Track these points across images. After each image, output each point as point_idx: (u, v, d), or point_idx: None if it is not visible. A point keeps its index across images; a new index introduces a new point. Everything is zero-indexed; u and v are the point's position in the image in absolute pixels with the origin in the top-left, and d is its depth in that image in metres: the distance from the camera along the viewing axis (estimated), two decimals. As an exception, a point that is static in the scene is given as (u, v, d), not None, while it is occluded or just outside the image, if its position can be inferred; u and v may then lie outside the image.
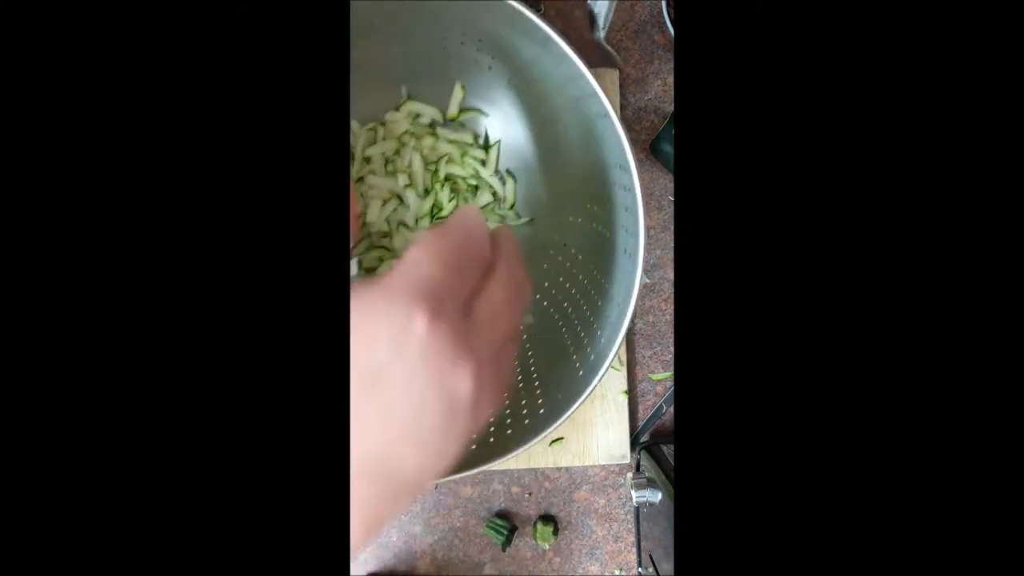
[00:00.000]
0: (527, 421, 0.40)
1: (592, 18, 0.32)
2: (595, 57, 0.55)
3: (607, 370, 0.36)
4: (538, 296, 0.50)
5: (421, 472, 0.21)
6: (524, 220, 0.52)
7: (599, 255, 0.44)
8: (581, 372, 0.39)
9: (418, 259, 0.21)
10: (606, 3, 0.31)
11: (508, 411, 0.42)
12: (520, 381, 0.45)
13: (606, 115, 0.33)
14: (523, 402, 0.42)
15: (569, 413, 0.37)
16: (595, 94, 0.32)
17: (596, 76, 0.54)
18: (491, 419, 0.23)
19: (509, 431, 0.40)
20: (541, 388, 0.43)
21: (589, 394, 0.37)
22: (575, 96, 0.37)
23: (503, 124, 0.51)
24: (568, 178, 0.48)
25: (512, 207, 0.52)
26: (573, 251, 0.49)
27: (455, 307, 0.21)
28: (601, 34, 0.33)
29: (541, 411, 0.40)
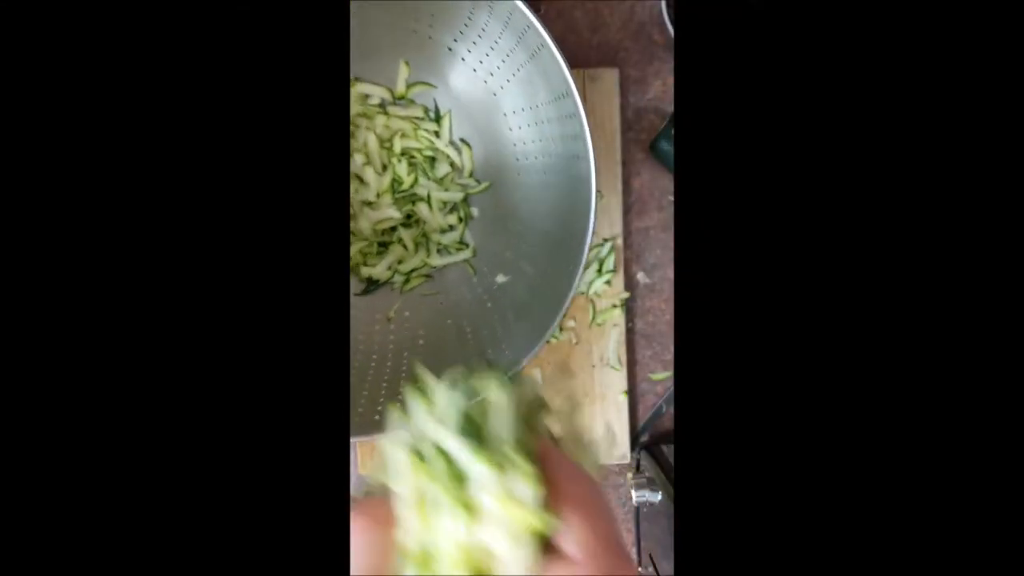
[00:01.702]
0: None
1: None
2: (594, 59, 0.55)
3: (574, 292, 0.40)
4: (509, 254, 0.52)
5: None
6: (483, 186, 0.53)
7: (563, 201, 0.45)
8: (540, 312, 0.42)
9: None
10: None
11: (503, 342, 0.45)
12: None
13: (543, 45, 0.35)
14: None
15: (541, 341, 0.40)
16: (531, 26, 0.35)
17: (596, 76, 0.54)
18: None
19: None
20: (519, 338, 0.45)
21: (556, 324, 0.40)
22: (518, 40, 0.39)
23: (450, 93, 0.52)
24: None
25: (471, 174, 0.53)
26: (542, 208, 0.50)
27: None
28: None
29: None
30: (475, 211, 0.54)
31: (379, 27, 0.46)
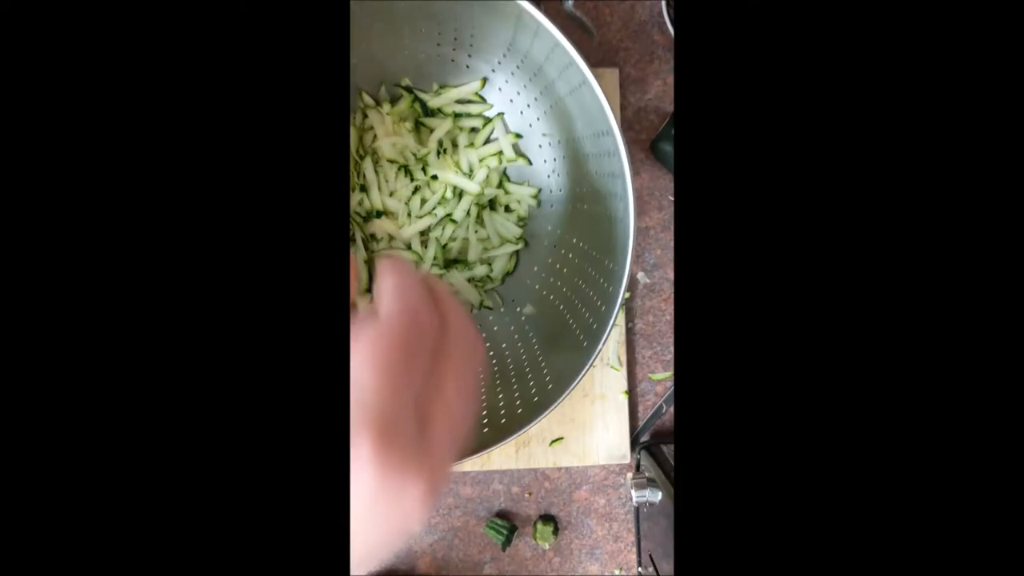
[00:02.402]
0: (520, 411, 0.40)
1: None
2: (594, 59, 0.55)
3: (610, 332, 0.37)
4: (537, 287, 0.51)
5: (378, 561, 0.21)
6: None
7: (596, 233, 0.44)
8: (585, 342, 0.40)
9: (358, 380, 0.20)
10: None
11: (502, 402, 0.43)
12: (522, 369, 0.46)
13: (584, 82, 0.33)
14: (516, 392, 0.43)
15: (573, 385, 0.38)
16: (572, 63, 0.32)
17: (596, 76, 0.54)
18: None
19: (503, 420, 0.41)
20: (548, 370, 0.44)
21: (590, 366, 0.38)
22: (558, 70, 0.37)
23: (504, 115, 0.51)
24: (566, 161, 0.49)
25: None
26: (573, 239, 0.49)
27: (404, 417, 0.20)
28: (570, 3, 0.33)
29: (550, 385, 0.40)
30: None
31: (410, 55, 0.45)
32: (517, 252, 0.53)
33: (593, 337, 0.39)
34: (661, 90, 0.56)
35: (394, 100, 0.50)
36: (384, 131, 0.49)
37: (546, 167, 0.50)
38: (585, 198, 0.46)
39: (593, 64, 0.55)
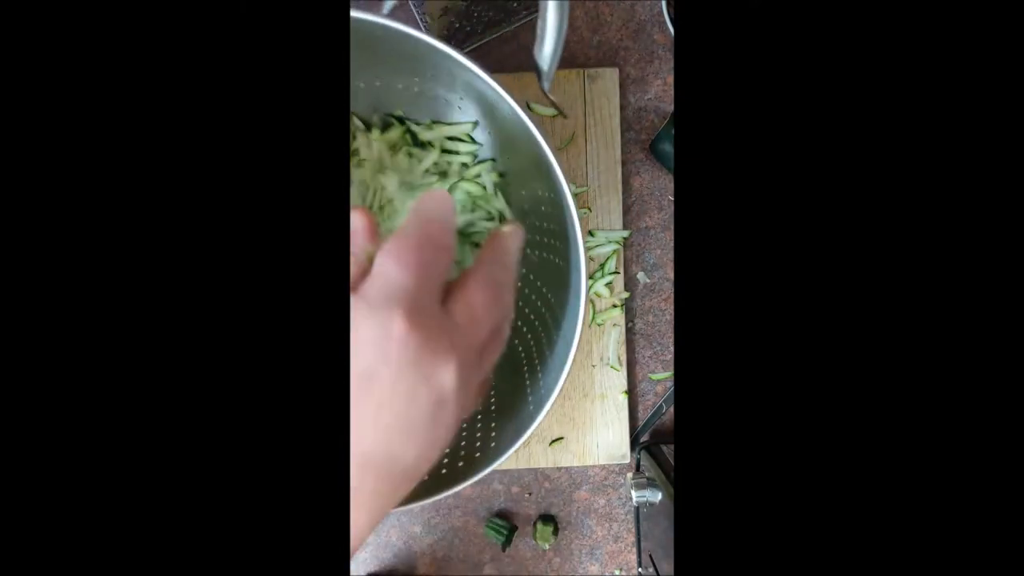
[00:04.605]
0: (478, 454, 0.40)
1: (537, 71, 0.33)
2: (594, 58, 0.55)
3: (553, 402, 0.36)
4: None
5: (417, 461, 0.23)
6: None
7: (558, 287, 0.44)
8: (532, 406, 0.40)
9: (386, 269, 0.22)
10: (551, 52, 0.32)
11: (463, 443, 0.42)
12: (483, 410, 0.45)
13: (545, 154, 0.32)
14: (478, 433, 0.43)
15: (520, 442, 0.37)
16: (535, 138, 0.32)
17: (596, 75, 0.54)
18: (478, 410, 0.25)
19: (461, 463, 0.40)
20: (496, 419, 0.43)
21: (536, 425, 0.37)
22: (526, 138, 0.37)
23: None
24: (528, 213, 0.49)
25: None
26: (537, 282, 0.49)
27: (431, 303, 0.23)
28: (546, 85, 0.34)
29: (492, 444, 0.40)
30: None
31: (404, 88, 0.45)
32: None
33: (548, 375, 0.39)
34: (661, 90, 0.56)
35: (385, 129, 0.50)
36: (370, 156, 0.49)
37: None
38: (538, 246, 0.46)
39: (593, 64, 0.55)
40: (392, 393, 0.21)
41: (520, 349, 0.47)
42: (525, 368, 0.44)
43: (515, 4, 0.53)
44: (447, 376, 0.22)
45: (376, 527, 0.23)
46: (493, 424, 0.42)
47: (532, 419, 0.37)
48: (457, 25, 0.52)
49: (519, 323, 0.48)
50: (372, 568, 0.59)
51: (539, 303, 0.47)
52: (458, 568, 0.59)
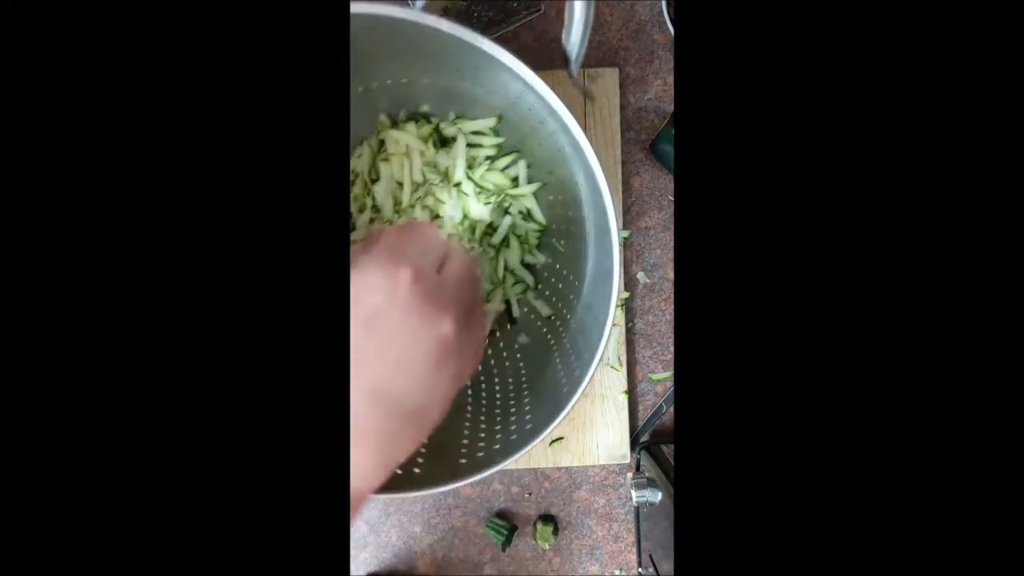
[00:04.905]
0: (514, 436, 0.40)
1: (565, 58, 0.34)
2: (594, 58, 0.55)
3: (594, 372, 0.37)
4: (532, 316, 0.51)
5: (419, 401, 0.25)
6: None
7: (582, 271, 0.44)
8: (565, 383, 0.40)
9: (392, 237, 0.26)
10: (579, 40, 0.33)
11: (499, 425, 0.43)
12: (507, 396, 0.46)
13: (564, 128, 0.33)
14: (512, 415, 0.43)
15: (560, 418, 0.37)
16: (553, 113, 0.32)
17: (596, 75, 0.53)
18: (471, 373, 0.28)
19: (481, 454, 0.41)
20: (530, 399, 0.43)
21: (579, 396, 0.37)
22: (539, 119, 0.37)
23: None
24: (549, 204, 0.49)
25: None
26: (565, 272, 0.49)
27: (430, 271, 0.26)
28: (575, 71, 0.35)
29: (528, 426, 0.40)
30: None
31: (430, 84, 0.45)
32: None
33: (573, 381, 0.39)
34: (661, 90, 0.56)
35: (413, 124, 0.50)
36: (398, 151, 0.49)
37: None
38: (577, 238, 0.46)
39: (593, 64, 0.55)
40: (396, 331, 0.24)
41: (551, 340, 0.48)
42: (556, 356, 0.45)
43: (515, 4, 0.53)
44: (447, 325, 0.25)
45: (382, 477, 0.25)
46: (527, 404, 0.43)
47: (567, 401, 0.38)
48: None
49: (550, 315, 0.50)
50: (372, 568, 0.59)
51: (566, 290, 0.48)
52: (458, 568, 0.59)
